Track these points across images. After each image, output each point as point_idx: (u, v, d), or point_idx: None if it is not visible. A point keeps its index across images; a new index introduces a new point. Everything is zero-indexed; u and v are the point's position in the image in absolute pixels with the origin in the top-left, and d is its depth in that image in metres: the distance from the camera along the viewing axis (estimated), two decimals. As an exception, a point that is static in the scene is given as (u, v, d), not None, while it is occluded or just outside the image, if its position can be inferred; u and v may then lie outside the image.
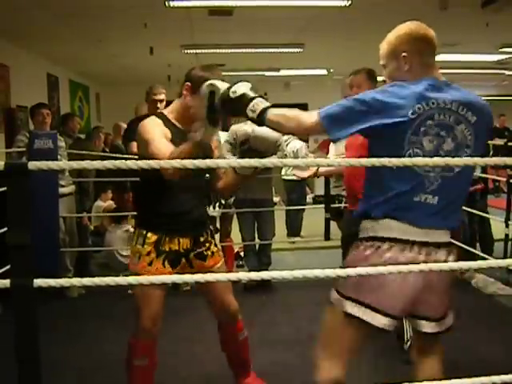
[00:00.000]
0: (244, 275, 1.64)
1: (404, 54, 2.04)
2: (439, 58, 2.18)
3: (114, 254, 5.98)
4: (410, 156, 1.93)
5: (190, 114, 2.56)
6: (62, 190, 5.12)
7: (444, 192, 1.99)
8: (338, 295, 2.09)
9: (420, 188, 1.98)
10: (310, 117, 1.98)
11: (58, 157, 4.97)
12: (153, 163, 1.58)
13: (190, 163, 1.57)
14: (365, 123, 1.91)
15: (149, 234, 2.62)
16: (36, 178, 3.20)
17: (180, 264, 2.68)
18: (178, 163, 1.55)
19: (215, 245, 2.83)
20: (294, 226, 7.45)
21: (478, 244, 6.00)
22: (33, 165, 1.51)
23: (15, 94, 6.98)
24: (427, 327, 2.15)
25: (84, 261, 5.78)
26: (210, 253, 2.77)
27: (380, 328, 2.02)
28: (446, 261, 2.02)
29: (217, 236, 5.54)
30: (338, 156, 5.76)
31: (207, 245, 2.77)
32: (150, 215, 2.67)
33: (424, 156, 1.93)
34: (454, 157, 1.92)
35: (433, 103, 1.95)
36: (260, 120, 2.03)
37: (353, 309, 2.02)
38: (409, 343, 3.41)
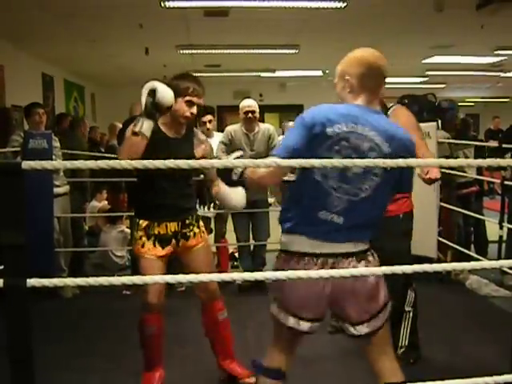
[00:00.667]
0: (238, 275, 1.63)
1: (348, 77, 2.16)
2: (434, 59, 2.18)
3: (109, 255, 5.97)
4: (318, 170, 2.07)
5: (175, 118, 2.98)
6: (56, 190, 5.10)
7: (349, 214, 2.10)
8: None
9: (327, 206, 2.09)
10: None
11: (53, 157, 4.96)
12: (146, 163, 1.57)
13: (184, 163, 1.57)
14: (303, 138, 2.06)
15: (140, 221, 3.02)
16: (31, 178, 3.28)
17: (170, 244, 3.04)
18: (172, 163, 1.55)
19: (198, 227, 3.14)
20: None
21: (472, 246, 6.02)
22: (26, 164, 1.51)
23: (10, 94, 6.96)
24: (351, 330, 2.22)
25: (79, 261, 5.76)
26: (192, 234, 3.10)
27: (299, 330, 2.21)
28: (354, 267, 2.11)
29: (211, 236, 5.56)
30: None
31: (191, 227, 3.10)
32: (140, 205, 3.10)
33: (331, 173, 2.07)
34: (358, 181, 2.08)
35: (352, 127, 2.06)
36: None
37: (273, 309, 2.24)
38: (402, 350, 3.48)
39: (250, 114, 5.13)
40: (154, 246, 2.99)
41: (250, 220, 5.40)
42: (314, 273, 1.80)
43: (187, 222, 3.08)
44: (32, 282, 1.51)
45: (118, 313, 4.60)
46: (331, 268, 2.07)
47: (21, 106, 6.94)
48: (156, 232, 2.99)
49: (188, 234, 3.08)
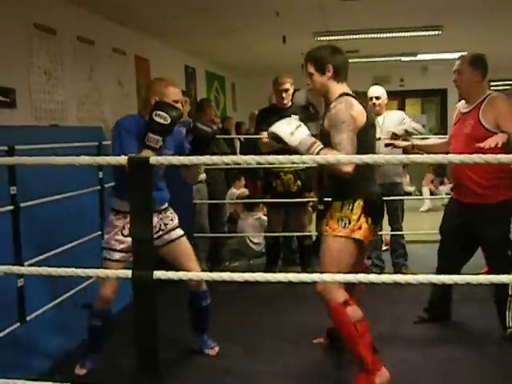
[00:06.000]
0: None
1: None
2: None
3: (246, 241, 6.09)
4: None
5: None
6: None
7: None
8: None
9: None
10: None
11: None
12: (270, 158, 1.55)
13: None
14: None
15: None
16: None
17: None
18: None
19: None
20: None
21: None
22: (154, 159, 1.55)
23: (155, 86, 7.31)
24: None
25: (217, 246, 5.94)
26: None
27: None
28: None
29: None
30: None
31: None
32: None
33: None
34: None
35: None
36: None
37: None
38: (510, 330, 3.59)
39: (374, 100, 5.13)
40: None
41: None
42: (423, 277, 1.68)
43: None
44: (158, 274, 1.55)
45: (250, 298, 4.65)
46: None
47: (165, 97, 7.21)
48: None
49: None
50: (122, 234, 3.19)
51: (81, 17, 5.51)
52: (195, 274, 1.55)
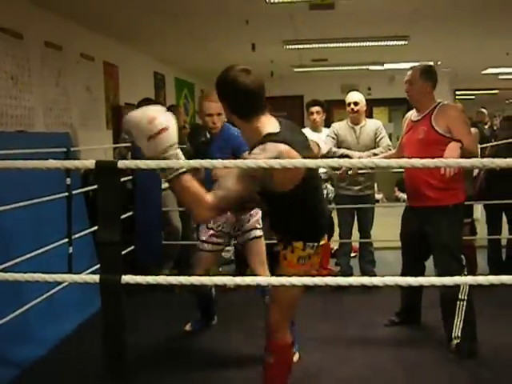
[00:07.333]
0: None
1: None
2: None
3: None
4: None
5: None
6: (164, 185, 5.25)
7: None
8: None
9: None
10: None
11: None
12: (238, 162, 1.55)
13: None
14: None
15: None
16: (140, 172, 3.57)
17: None
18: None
19: None
20: None
21: None
22: (122, 163, 1.54)
23: (123, 93, 7.27)
24: None
25: (187, 253, 5.89)
26: None
27: None
28: None
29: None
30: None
31: None
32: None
33: None
34: None
35: None
36: None
37: None
38: (456, 342, 3.52)
39: (353, 105, 5.09)
40: None
41: (354, 216, 5.30)
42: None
43: None
44: (126, 278, 1.54)
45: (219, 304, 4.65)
46: None
47: (134, 104, 7.21)
48: None
49: None
50: (207, 227, 3.66)
51: (48, 21, 5.46)
52: (164, 278, 1.54)
